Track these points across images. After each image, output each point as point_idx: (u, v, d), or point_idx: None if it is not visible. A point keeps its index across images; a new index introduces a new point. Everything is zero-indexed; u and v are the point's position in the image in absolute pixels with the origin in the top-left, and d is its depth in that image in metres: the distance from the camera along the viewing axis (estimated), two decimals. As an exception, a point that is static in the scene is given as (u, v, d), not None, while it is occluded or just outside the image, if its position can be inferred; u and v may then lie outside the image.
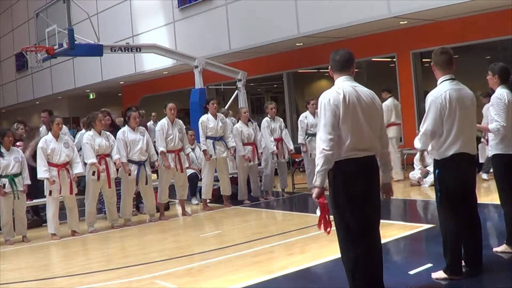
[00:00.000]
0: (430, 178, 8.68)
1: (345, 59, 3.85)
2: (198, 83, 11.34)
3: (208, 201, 8.96)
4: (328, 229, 3.70)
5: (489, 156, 4.98)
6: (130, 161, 7.92)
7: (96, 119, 7.70)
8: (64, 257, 6.52)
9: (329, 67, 3.91)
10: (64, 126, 7.88)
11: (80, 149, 7.89)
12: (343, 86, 3.73)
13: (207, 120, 8.75)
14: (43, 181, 7.28)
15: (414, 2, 9.64)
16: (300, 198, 9.57)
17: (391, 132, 9.66)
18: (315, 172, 3.63)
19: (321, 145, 3.60)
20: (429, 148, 4.40)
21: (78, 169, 7.39)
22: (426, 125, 4.24)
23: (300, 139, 9.67)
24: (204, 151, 8.64)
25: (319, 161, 3.60)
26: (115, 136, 7.92)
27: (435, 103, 4.19)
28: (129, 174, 7.87)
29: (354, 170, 3.69)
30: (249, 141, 9.11)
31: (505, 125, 4.66)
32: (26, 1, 20.75)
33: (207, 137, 8.68)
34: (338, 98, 3.65)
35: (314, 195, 3.66)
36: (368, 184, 3.75)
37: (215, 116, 8.80)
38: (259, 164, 9.64)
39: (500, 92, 4.77)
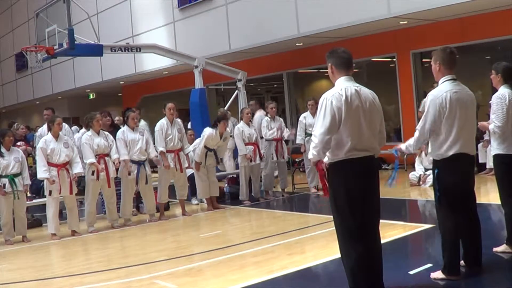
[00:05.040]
0: (431, 178, 8.68)
1: (347, 58, 3.85)
2: (198, 83, 11.32)
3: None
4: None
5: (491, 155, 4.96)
6: (129, 161, 7.92)
7: (94, 119, 7.71)
8: (64, 257, 6.52)
9: (330, 65, 3.88)
10: (65, 125, 7.89)
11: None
12: (345, 87, 3.72)
13: (211, 136, 8.62)
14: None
15: (414, 2, 9.63)
16: (300, 198, 9.57)
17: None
18: (311, 154, 3.76)
19: (317, 143, 3.67)
20: (429, 150, 4.39)
21: (78, 169, 7.40)
22: (424, 123, 4.24)
23: (299, 139, 9.69)
24: (197, 163, 8.63)
25: (312, 154, 3.73)
26: (115, 136, 7.93)
27: (435, 102, 4.19)
28: (129, 174, 7.87)
29: (354, 170, 3.70)
30: (250, 141, 9.10)
31: (501, 125, 4.66)
32: (26, 1, 20.72)
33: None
34: (341, 100, 3.65)
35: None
36: (368, 184, 3.76)
37: (221, 136, 8.71)
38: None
39: (502, 92, 4.76)
